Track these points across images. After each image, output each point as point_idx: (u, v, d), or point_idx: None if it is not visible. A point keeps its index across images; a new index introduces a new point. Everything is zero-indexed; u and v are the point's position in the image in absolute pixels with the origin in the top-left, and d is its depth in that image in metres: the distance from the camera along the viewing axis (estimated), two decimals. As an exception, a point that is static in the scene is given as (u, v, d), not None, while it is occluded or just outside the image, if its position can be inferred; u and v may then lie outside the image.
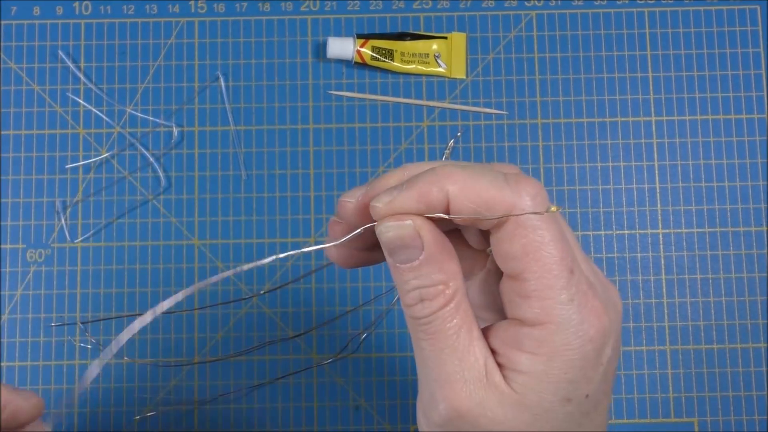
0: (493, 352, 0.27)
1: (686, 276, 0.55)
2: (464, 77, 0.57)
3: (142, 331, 0.53)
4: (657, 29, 0.57)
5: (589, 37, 0.57)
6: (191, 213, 0.55)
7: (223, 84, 0.56)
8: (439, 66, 0.56)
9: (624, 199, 0.56)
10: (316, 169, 0.56)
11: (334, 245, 0.30)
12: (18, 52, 0.56)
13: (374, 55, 0.55)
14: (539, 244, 0.26)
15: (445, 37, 0.57)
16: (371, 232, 0.28)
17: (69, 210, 0.55)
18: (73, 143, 0.56)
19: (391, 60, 0.56)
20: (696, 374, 0.54)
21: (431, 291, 0.27)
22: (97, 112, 0.56)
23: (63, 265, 0.54)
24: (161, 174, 0.55)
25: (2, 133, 0.56)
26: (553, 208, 0.26)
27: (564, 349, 0.26)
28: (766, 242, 0.55)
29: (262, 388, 0.54)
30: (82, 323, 0.54)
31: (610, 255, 0.55)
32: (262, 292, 0.54)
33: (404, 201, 0.27)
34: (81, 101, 0.56)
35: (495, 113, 0.56)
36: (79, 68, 0.56)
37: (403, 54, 0.56)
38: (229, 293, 0.54)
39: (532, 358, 0.26)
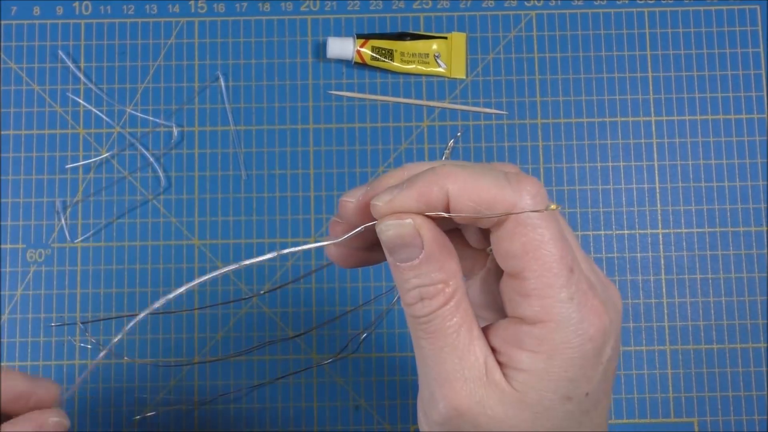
0: (494, 350, 0.27)
1: (686, 276, 0.55)
2: (464, 77, 0.57)
3: (142, 331, 0.54)
4: (657, 29, 0.57)
5: (589, 37, 0.57)
6: (191, 213, 0.55)
7: (223, 84, 0.56)
8: (439, 66, 0.56)
9: (624, 199, 0.56)
10: (316, 169, 0.56)
11: (335, 243, 0.30)
12: (18, 52, 0.57)
13: (374, 55, 0.55)
14: (539, 242, 0.26)
15: (445, 37, 0.57)
16: (372, 231, 0.28)
17: (69, 210, 0.55)
18: (73, 143, 0.56)
19: (391, 60, 0.56)
20: (696, 374, 0.54)
21: (431, 290, 0.27)
22: (97, 112, 0.56)
23: (63, 265, 0.54)
24: (161, 174, 0.55)
25: (2, 133, 0.56)
26: (553, 206, 0.26)
27: (564, 347, 0.26)
28: (766, 242, 0.55)
29: (262, 388, 0.54)
30: (82, 323, 0.54)
31: (610, 255, 0.55)
32: (262, 292, 0.54)
33: (405, 200, 0.27)
34: (81, 101, 0.56)
35: (495, 113, 0.56)
36: (79, 68, 0.56)
37: (403, 54, 0.56)
38: (229, 293, 0.54)
39: (532, 356, 0.26)
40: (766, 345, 0.54)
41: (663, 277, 0.55)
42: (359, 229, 0.28)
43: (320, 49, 0.57)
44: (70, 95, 0.56)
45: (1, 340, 0.54)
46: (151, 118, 0.56)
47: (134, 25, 0.57)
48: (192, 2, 0.57)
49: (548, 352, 0.26)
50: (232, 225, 0.55)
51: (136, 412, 0.53)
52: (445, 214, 0.27)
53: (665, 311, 0.55)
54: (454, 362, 0.27)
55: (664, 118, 0.56)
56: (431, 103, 0.56)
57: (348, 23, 0.57)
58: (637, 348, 0.54)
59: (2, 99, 0.56)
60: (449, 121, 0.56)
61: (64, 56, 0.56)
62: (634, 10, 0.57)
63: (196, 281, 0.29)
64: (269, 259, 0.28)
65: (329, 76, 0.57)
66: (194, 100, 0.56)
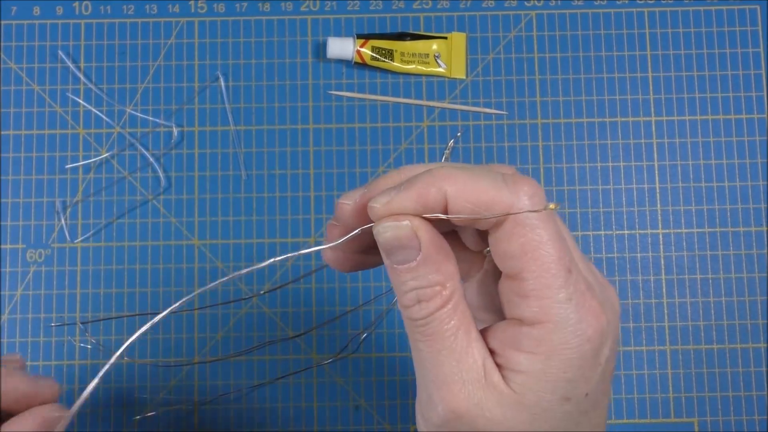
0: (492, 352, 0.27)
1: (686, 276, 0.55)
2: (464, 77, 0.57)
3: (142, 331, 0.54)
4: (657, 29, 0.57)
5: (589, 37, 0.57)
6: (191, 213, 0.55)
7: (223, 84, 0.56)
8: (439, 66, 0.56)
9: (624, 199, 0.56)
10: (316, 169, 0.56)
11: (331, 246, 0.30)
12: (18, 52, 0.57)
13: (374, 55, 0.55)
14: (537, 243, 0.26)
15: (445, 37, 0.57)
16: (369, 234, 0.28)
17: (69, 210, 0.55)
18: (73, 143, 0.56)
19: (391, 60, 0.56)
20: (696, 374, 0.54)
21: (428, 292, 0.27)
22: (97, 112, 0.56)
23: (63, 265, 0.54)
24: (161, 174, 0.55)
25: (2, 133, 0.56)
26: (552, 206, 0.26)
27: (562, 348, 0.26)
28: (766, 242, 0.55)
29: (262, 388, 0.54)
30: (82, 323, 0.54)
31: (610, 255, 0.55)
32: (262, 292, 0.54)
33: (402, 201, 0.27)
34: (81, 101, 0.56)
35: (495, 113, 0.56)
36: (79, 68, 0.56)
37: (403, 54, 0.56)
38: (229, 293, 0.54)
39: (530, 357, 0.26)
40: (766, 345, 0.54)
41: (663, 277, 0.55)
42: (356, 231, 0.28)
43: (320, 49, 0.57)
44: (70, 95, 0.56)
45: (1, 340, 0.54)
46: (151, 118, 0.56)
47: (134, 25, 0.57)
48: (192, 2, 0.57)
49: (546, 353, 0.26)
50: (232, 225, 0.55)
51: (136, 412, 0.53)
52: (443, 216, 0.27)
53: (665, 311, 0.55)
54: (451, 365, 0.27)
55: (664, 118, 0.56)
56: (431, 103, 0.56)
57: (348, 23, 0.57)
58: (637, 348, 0.54)
59: (2, 99, 0.56)
60: (449, 121, 0.56)
61: (64, 56, 0.56)
62: (634, 10, 0.57)
63: (219, 281, 0.29)
64: (267, 266, 0.28)
65: (329, 76, 0.57)
66: (194, 100, 0.56)
